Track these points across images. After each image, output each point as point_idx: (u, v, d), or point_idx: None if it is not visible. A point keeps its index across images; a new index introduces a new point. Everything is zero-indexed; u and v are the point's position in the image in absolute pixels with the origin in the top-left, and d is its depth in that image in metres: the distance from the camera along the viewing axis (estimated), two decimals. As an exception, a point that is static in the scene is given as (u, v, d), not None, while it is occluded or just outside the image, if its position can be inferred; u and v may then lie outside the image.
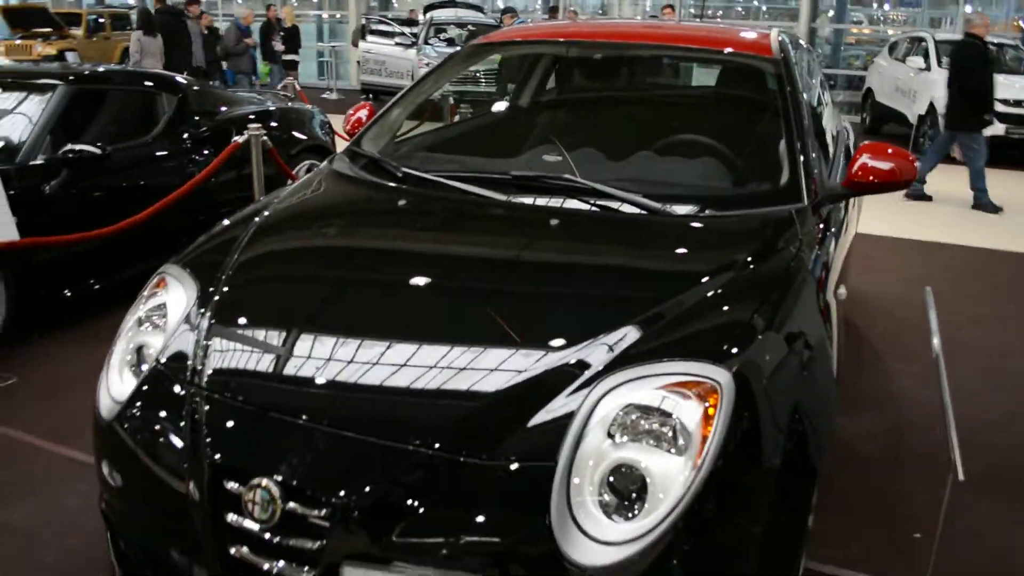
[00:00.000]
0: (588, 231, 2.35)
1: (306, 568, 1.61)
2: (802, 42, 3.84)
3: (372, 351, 1.84)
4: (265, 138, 4.43)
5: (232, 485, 1.67)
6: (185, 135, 5.06)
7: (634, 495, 1.57)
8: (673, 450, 1.59)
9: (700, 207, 2.40)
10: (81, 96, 4.62)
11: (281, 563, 1.63)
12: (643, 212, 2.33)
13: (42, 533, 2.65)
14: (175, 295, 2.15)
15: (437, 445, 1.62)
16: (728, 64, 3.20)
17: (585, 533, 1.53)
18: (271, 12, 12.57)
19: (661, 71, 3.35)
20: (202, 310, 2.06)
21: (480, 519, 1.55)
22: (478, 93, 8.43)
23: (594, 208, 2.36)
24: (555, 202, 2.42)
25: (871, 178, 2.54)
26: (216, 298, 2.08)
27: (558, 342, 1.79)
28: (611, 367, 1.70)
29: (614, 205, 2.36)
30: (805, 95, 2.91)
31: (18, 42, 14.80)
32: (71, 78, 4.64)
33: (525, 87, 3.71)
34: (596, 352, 1.74)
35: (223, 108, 5.49)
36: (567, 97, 3.52)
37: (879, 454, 3.23)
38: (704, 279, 2.02)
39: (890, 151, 2.59)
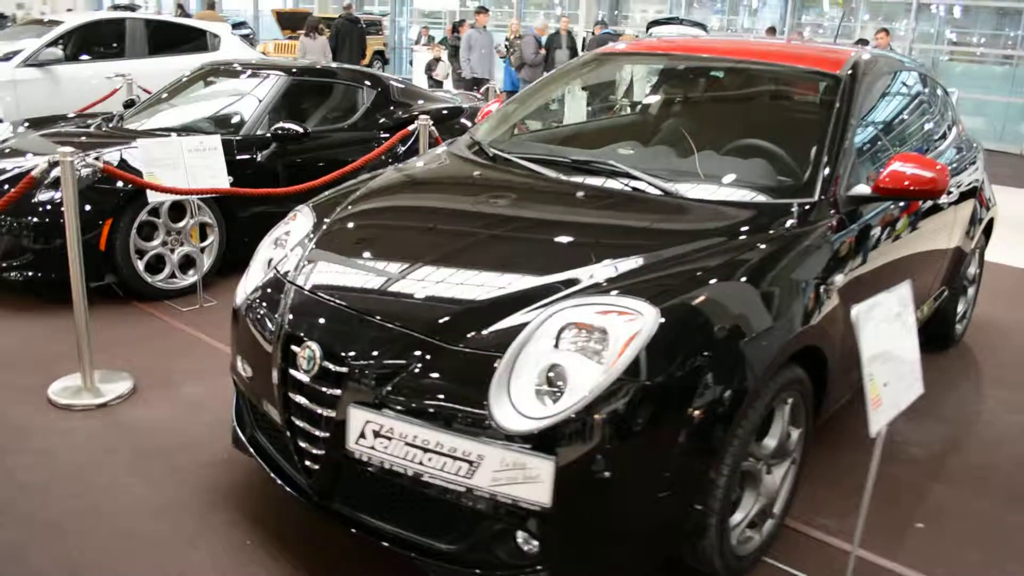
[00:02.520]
0: (612, 203, 2.86)
1: (330, 410, 2.27)
2: (918, 67, 4.04)
3: (407, 270, 2.48)
4: (432, 128, 5.20)
5: (294, 347, 2.37)
6: (381, 121, 5.99)
7: (560, 388, 2.08)
8: (596, 360, 2.09)
9: (715, 194, 2.84)
10: (298, 85, 5.68)
11: (317, 406, 2.31)
12: (660, 193, 2.81)
13: (207, 403, 3.56)
14: (299, 224, 2.92)
15: (428, 333, 2.23)
16: (797, 78, 3.53)
17: (515, 408, 2.05)
18: (564, 23, 12.96)
19: (742, 82, 3.73)
20: (311, 236, 2.80)
21: (443, 385, 2.14)
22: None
23: (626, 188, 2.87)
24: (597, 181, 2.94)
25: (905, 184, 2.82)
26: (322, 229, 2.82)
27: (540, 275, 2.34)
28: (570, 295, 2.23)
29: (641, 186, 2.85)
30: (866, 110, 3.21)
31: (285, 42, 17.01)
32: (293, 71, 5.71)
33: (626, 93, 4.23)
34: (564, 284, 2.28)
35: (420, 102, 6.41)
36: (657, 101, 4.00)
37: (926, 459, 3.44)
38: (679, 244, 2.48)
39: (923, 162, 2.85)
